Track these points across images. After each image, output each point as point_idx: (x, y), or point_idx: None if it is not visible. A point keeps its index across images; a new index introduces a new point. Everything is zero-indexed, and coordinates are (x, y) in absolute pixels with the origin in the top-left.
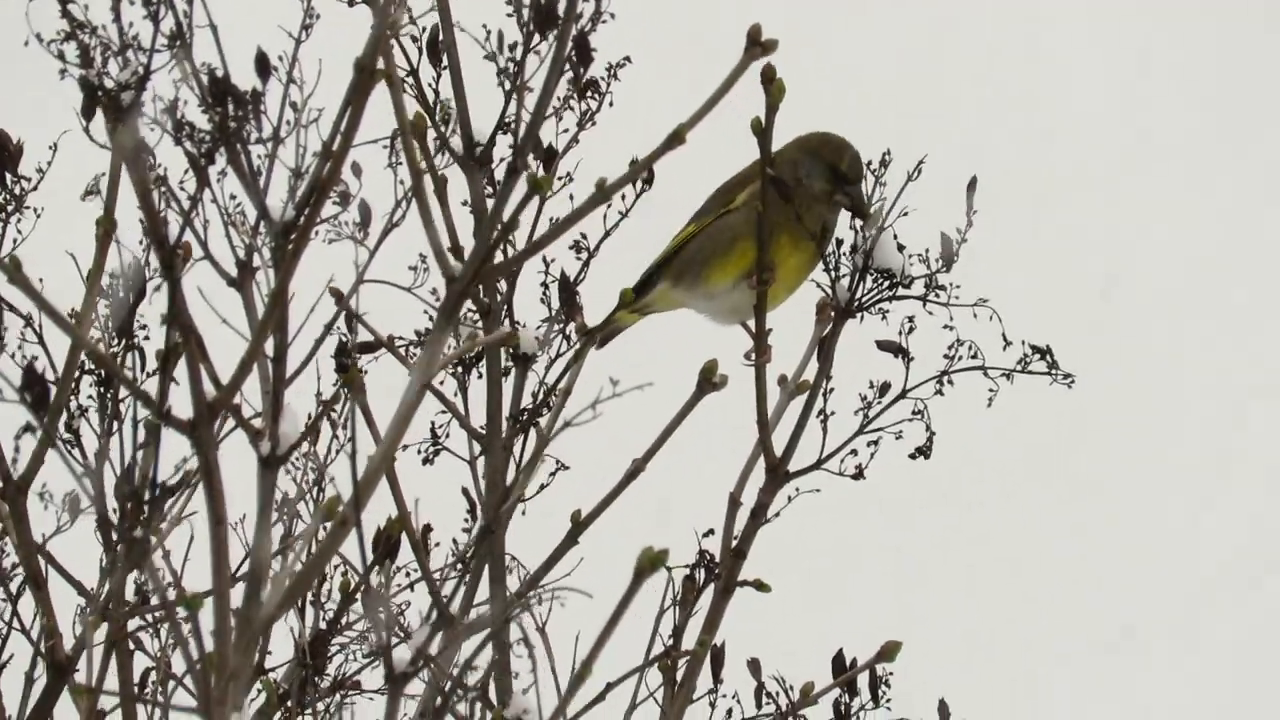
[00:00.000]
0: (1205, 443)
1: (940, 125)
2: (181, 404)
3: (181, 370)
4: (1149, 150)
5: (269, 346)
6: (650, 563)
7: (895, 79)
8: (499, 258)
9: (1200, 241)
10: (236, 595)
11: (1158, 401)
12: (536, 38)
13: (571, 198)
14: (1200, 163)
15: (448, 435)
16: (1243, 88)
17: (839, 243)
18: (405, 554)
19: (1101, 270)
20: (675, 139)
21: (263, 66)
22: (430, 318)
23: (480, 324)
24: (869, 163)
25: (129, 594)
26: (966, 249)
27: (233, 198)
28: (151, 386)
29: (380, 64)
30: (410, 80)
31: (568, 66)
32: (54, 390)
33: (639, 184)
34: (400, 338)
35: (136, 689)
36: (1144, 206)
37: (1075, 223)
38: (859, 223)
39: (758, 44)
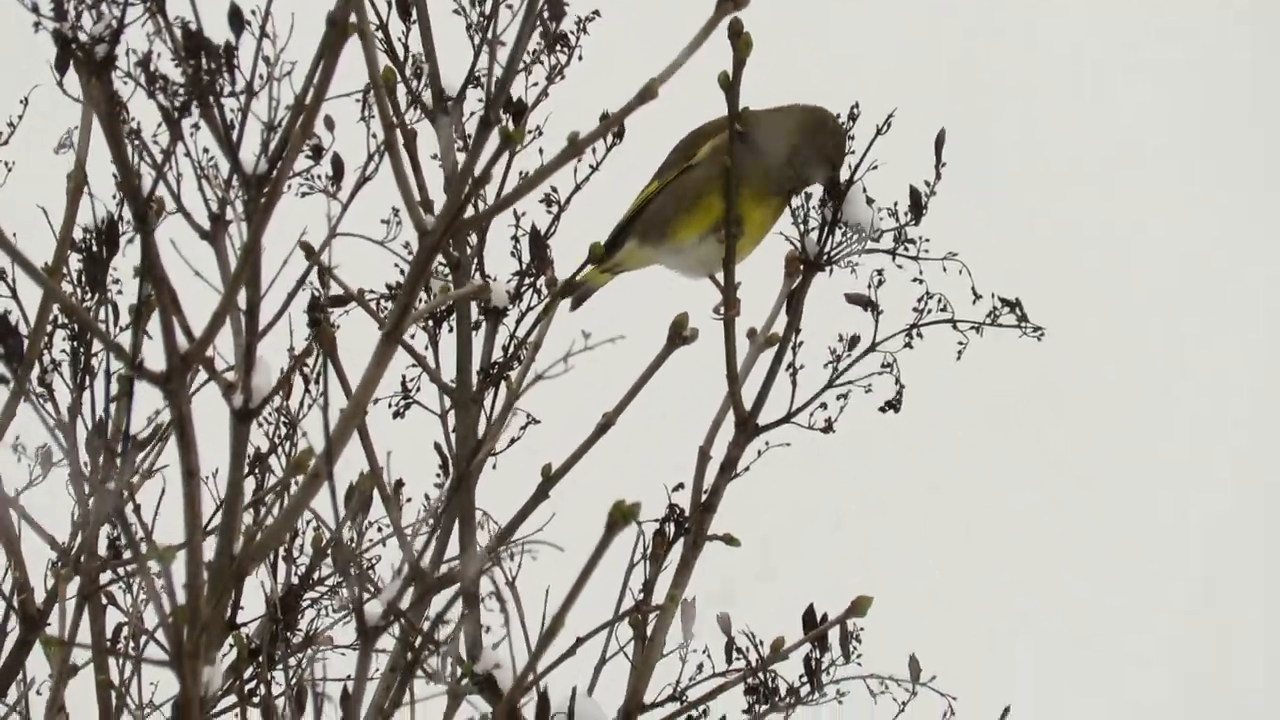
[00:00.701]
0: (1186, 423)
1: (935, 110)
2: (155, 357)
3: (155, 323)
4: (1145, 139)
5: (242, 300)
6: (622, 516)
7: (890, 67)
8: (470, 211)
9: (1195, 233)
10: (209, 548)
11: (1145, 384)
12: None
13: (541, 152)
14: (1197, 152)
15: (418, 389)
16: (1238, 81)
17: (807, 196)
18: (377, 509)
19: (1096, 259)
20: (647, 93)
21: (236, 20)
22: (401, 271)
23: (450, 277)
24: (837, 115)
25: (101, 547)
26: (935, 201)
27: (206, 151)
28: (124, 340)
29: (353, 18)
30: (380, 35)
31: (539, 20)
32: (27, 343)
33: (609, 138)
34: (371, 291)
35: (109, 643)
36: (1138, 197)
37: (1070, 212)
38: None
39: None
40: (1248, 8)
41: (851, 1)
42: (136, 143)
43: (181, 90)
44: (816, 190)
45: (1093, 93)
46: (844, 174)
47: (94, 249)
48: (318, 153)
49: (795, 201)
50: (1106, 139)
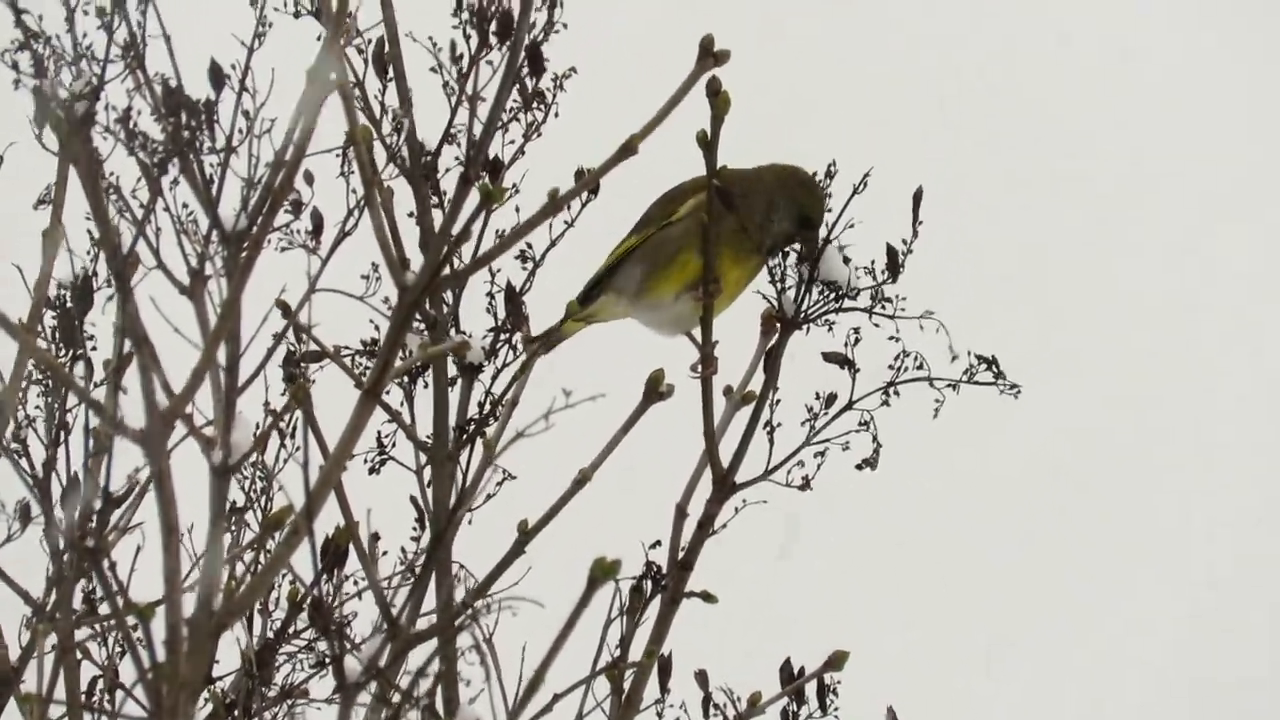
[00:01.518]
0: (1172, 492)
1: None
2: (132, 413)
3: (132, 379)
4: (1141, 144)
5: (221, 356)
6: (603, 572)
7: (882, 76)
8: (449, 269)
9: (1190, 244)
10: (187, 604)
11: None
12: (486, 47)
13: (518, 209)
14: (1190, 157)
15: (394, 445)
16: (1230, 89)
17: (784, 255)
18: (353, 563)
19: (1094, 273)
20: (627, 150)
21: (216, 76)
22: (377, 327)
23: (427, 334)
24: (814, 174)
25: (76, 603)
26: (912, 260)
27: (185, 207)
28: (99, 396)
29: (332, 75)
30: (357, 93)
31: (518, 77)
32: (2, 399)
33: (585, 194)
34: (346, 347)
35: (84, 697)
36: (1136, 204)
37: (1064, 225)
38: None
39: (710, 54)
40: (1242, 20)
41: (843, 13)
42: (116, 199)
43: (161, 146)
44: (794, 249)
45: (1088, 111)
46: (823, 232)
47: (69, 305)
48: (297, 208)
49: (772, 260)
50: (1106, 152)
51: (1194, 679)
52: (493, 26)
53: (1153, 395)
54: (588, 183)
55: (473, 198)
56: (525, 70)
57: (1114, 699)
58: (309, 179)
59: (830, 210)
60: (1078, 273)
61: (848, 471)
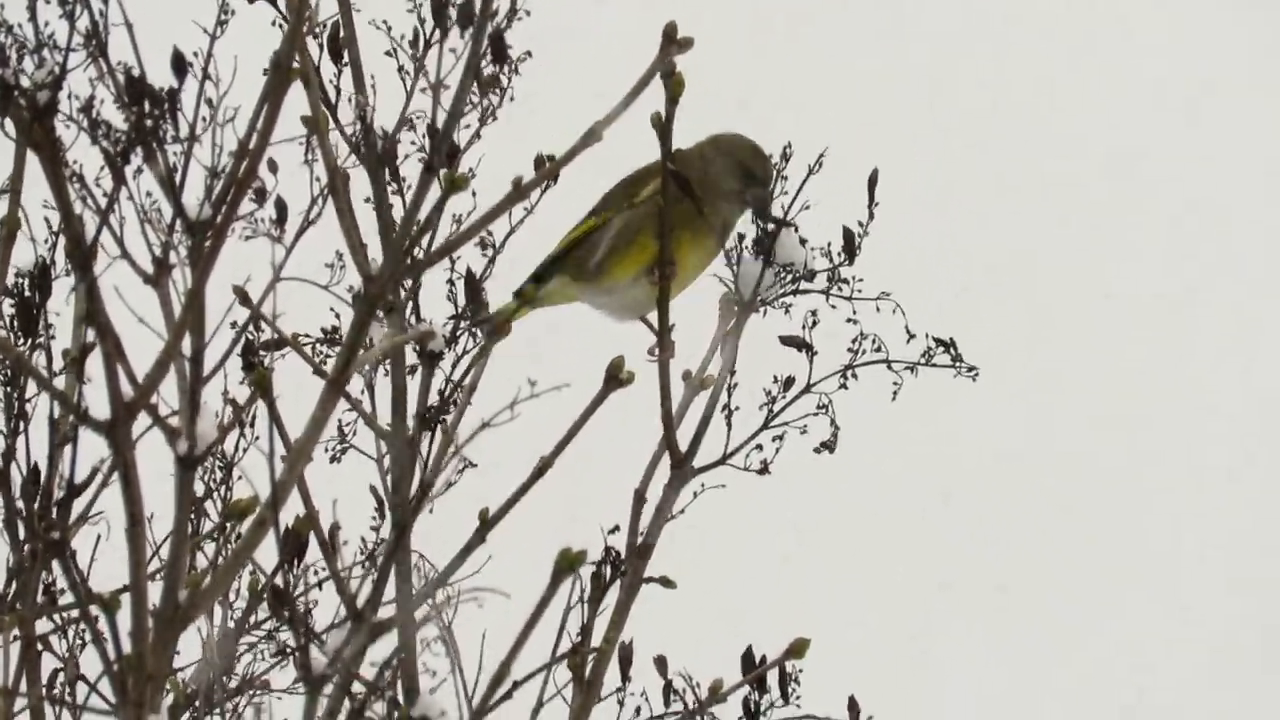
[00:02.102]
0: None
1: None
2: (95, 403)
3: (95, 368)
4: (1133, 149)
5: (186, 346)
6: (568, 563)
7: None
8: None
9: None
10: (152, 595)
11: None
12: (447, 34)
13: (474, 194)
14: (1182, 165)
15: (354, 433)
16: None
17: (741, 237)
18: (313, 552)
19: (1085, 276)
20: (592, 136)
21: (178, 65)
22: (338, 315)
23: (386, 322)
24: (773, 157)
25: (37, 595)
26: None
27: (149, 195)
28: (59, 385)
29: (296, 63)
30: (317, 77)
31: (480, 64)
32: None
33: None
34: (307, 335)
35: (45, 689)
36: (1127, 208)
37: (1053, 228)
38: (761, 222)
39: (673, 41)
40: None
41: (834, 14)
42: (79, 188)
43: (124, 136)
44: (750, 231)
45: (1060, 108)
46: (779, 213)
47: (27, 293)
48: (261, 196)
49: (729, 243)
50: (1087, 150)
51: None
52: (453, 13)
53: (1143, 397)
54: (551, 171)
55: (435, 187)
56: (489, 58)
57: (1080, 682)
58: (272, 167)
59: (786, 192)
60: (1067, 276)
61: (808, 455)
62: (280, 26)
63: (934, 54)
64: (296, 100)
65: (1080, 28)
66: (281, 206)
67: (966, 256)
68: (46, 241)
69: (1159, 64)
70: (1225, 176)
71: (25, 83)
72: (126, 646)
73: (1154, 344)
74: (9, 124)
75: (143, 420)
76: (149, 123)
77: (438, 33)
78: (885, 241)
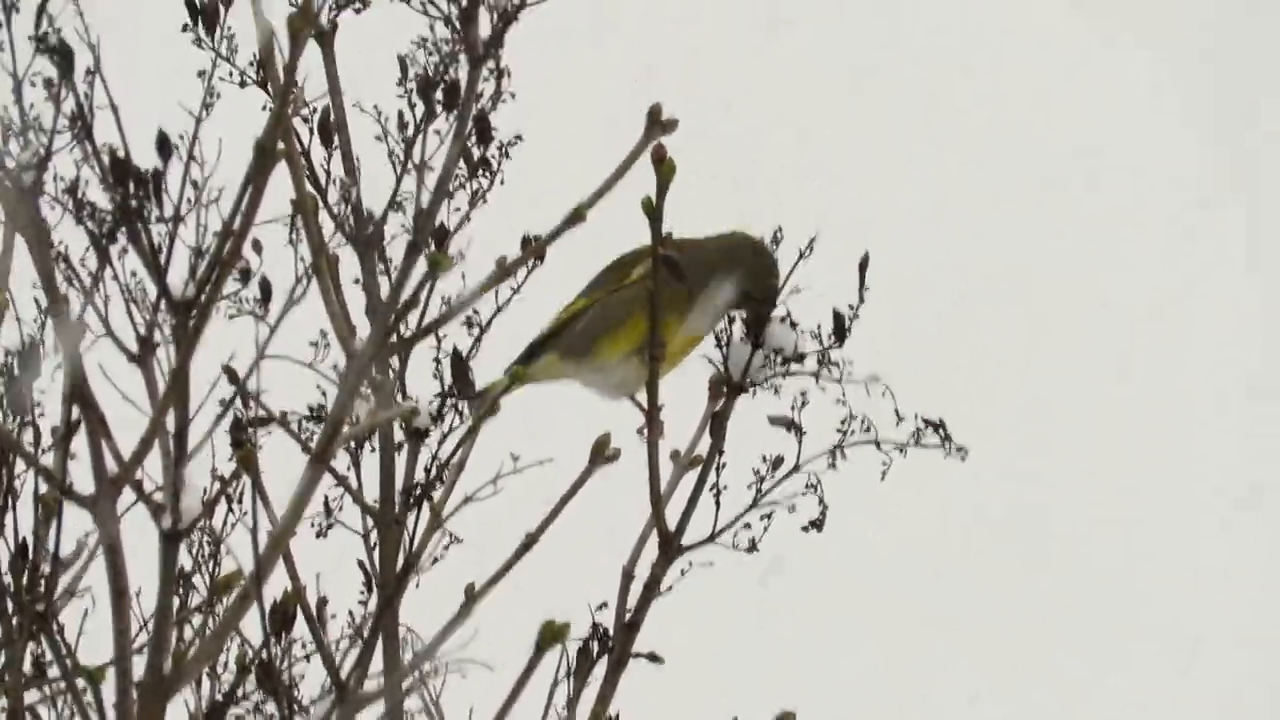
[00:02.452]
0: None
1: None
2: (81, 479)
3: (81, 445)
4: (1112, 160)
5: (170, 422)
6: (552, 636)
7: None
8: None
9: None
10: (137, 668)
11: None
12: (433, 116)
13: (463, 276)
14: (1159, 183)
15: (341, 508)
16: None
17: (731, 320)
18: (300, 626)
19: (1080, 289)
20: (576, 218)
21: (163, 146)
22: (324, 393)
23: (374, 399)
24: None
25: (26, 667)
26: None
27: (134, 274)
28: (48, 463)
29: (280, 144)
30: (302, 161)
31: (466, 145)
32: None
33: (531, 260)
34: (294, 413)
35: None
36: (1128, 221)
37: (1056, 238)
38: (753, 338)
39: (659, 123)
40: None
41: (827, 27)
42: (64, 267)
43: (109, 216)
44: (739, 317)
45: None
46: (778, 298)
47: (16, 372)
48: (246, 276)
49: (719, 326)
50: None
51: None
52: (439, 95)
53: (1141, 415)
54: (535, 250)
55: (420, 265)
56: (473, 139)
57: None
58: (257, 247)
59: (776, 276)
60: (1064, 284)
61: (796, 534)
62: (267, 109)
63: (929, 64)
64: (283, 180)
65: (1076, 39)
66: (266, 285)
67: (963, 265)
68: (36, 320)
69: (1154, 74)
70: (1222, 183)
71: (10, 164)
72: (112, 718)
73: (1151, 353)
74: None
75: (128, 496)
76: (134, 203)
77: (426, 116)
78: (883, 251)
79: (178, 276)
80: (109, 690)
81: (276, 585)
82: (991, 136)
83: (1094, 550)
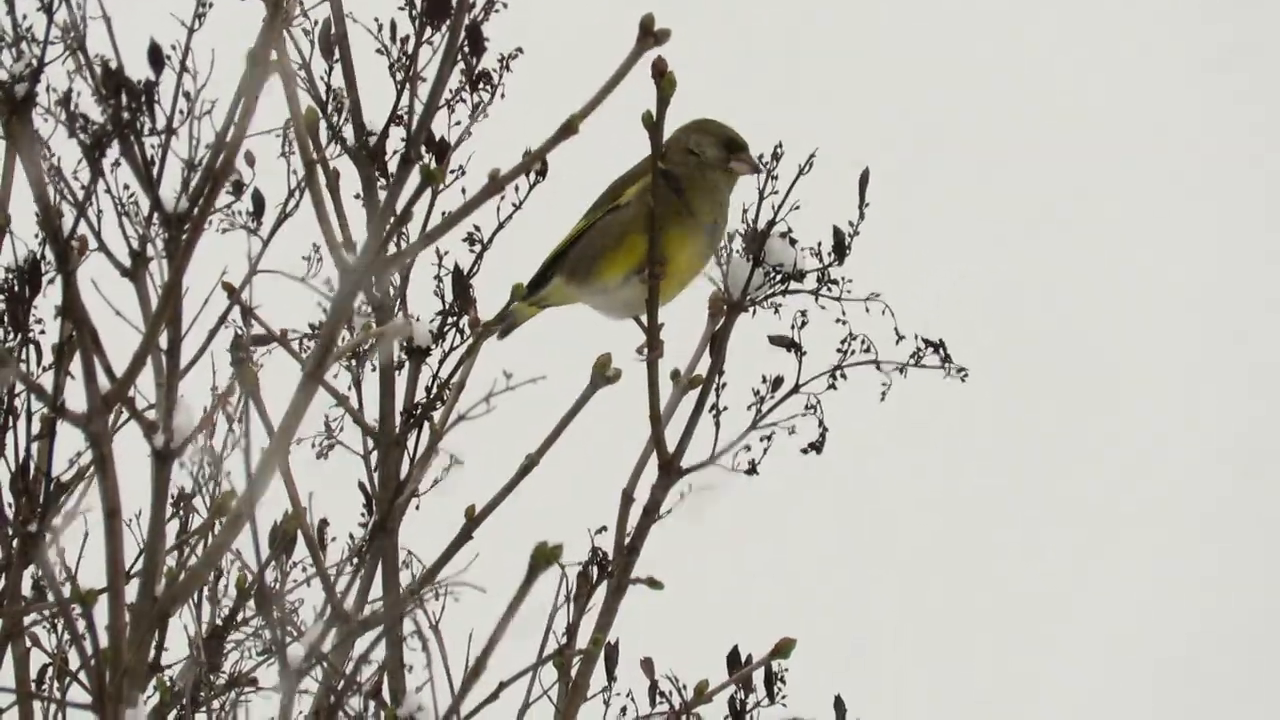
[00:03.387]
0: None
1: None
2: (77, 398)
3: (77, 364)
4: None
5: (163, 339)
6: (545, 558)
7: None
8: (392, 249)
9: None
10: (131, 590)
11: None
12: (429, 29)
13: (464, 192)
14: (1148, 158)
15: (341, 429)
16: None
17: (730, 238)
18: (301, 549)
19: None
20: (568, 129)
21: (156, 58)
22: (324, 310)
23: (373, 317)
24: (760, 156)
25: (25, 589)
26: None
27: (127, 188)
28: (47, 381)
29: (273, 56)
30: (302, 73)
31: (460, 57)
32: None
33: (532, 175)
34: (294, 331)
35: (34, 685)
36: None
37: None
38: (752, 173)
39: (650, 34)
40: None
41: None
42: (58, 181)
43: (102, 128)
44: (739, 230)
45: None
46: (769, 215)
47: (16, 289)
48: (238, 189)
49: (720, 242)
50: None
51: None
52: (428, 6)
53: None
54: (529, 163)
55: (415, 178)
56: (466, 50)
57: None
58: (250, 160)
59: (775, 191)
60: (1056, 278)
61: (795, 456)
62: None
63: (922, 56)
64: (277, 93)
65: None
66: (259, 199)
67: (959, 256)
68: (36, 236)
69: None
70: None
71: (3, 76)
72: (104, 641)
73: (1147, 348)
74: None
75: (123, 414)
76: (126, 115)
77: (421, 26)
78: (880, 236)
79: (170, 189)
80: (102, 612)
81: (278, 508)
82: (986, 128)
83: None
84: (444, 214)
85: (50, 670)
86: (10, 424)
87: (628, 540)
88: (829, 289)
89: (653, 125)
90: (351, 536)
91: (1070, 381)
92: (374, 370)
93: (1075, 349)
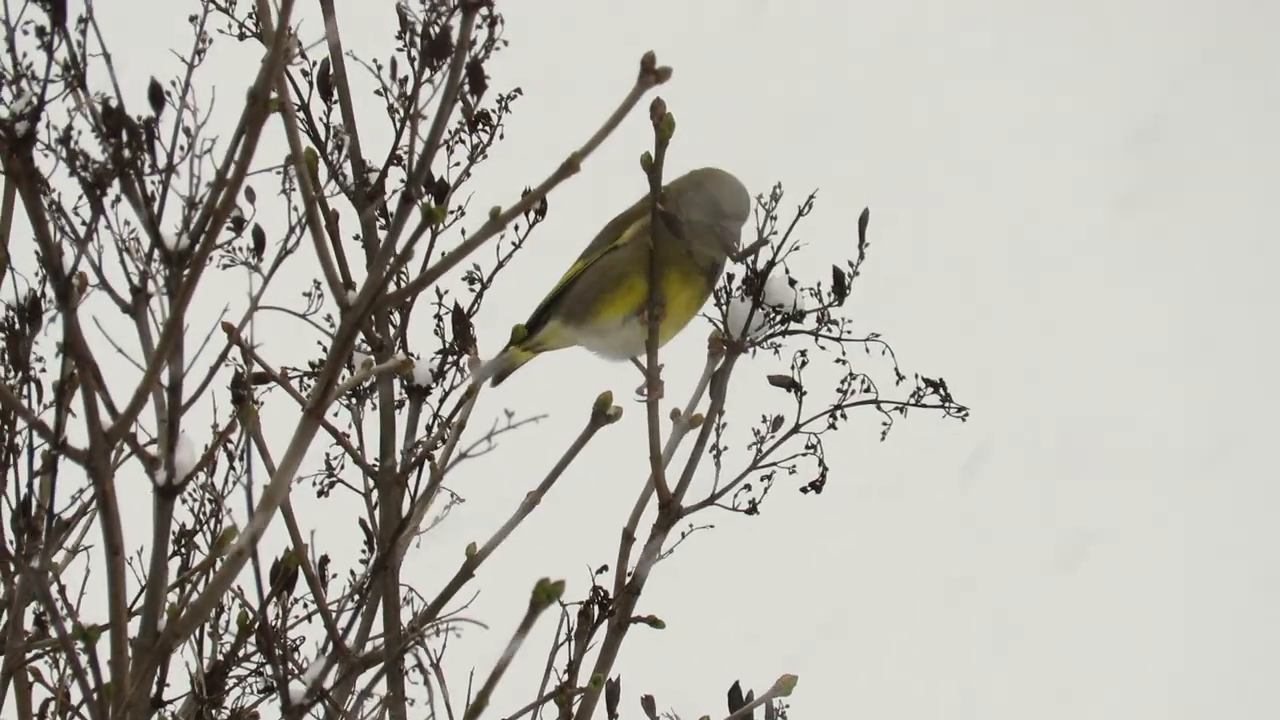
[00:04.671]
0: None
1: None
2: (78, 435)
3: (79, 401)
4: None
5: (164, 375)
6: (546, 594)
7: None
8: (393, 288)
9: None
10: (134, 626)
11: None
12: (429, 69)
13: (464, 232)
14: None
15: (342, 468)
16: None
17: (730, 277)
18: (302, 586)
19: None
20: (569, 168)
21: (156, 95)
22: (324, 349)
23: (374, 357)
24: (760, 196)
25: (27, 625)
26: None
27: (127, 224)
28: (48, 418)
29: (273, 94)
30: (301, 115)
31: (460, 96)
32: None
33: (532, 215)
34: (294, 369)
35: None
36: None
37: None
38: (730, 258)
39: (651, 72)
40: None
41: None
42: (58, 218)
43: (102, 165)
44: (739, 271)
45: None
46: (767, 256)
47: (16, 326)
48: (239, 225)
49: (719, 283)
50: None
51: None
52: (429, 45)
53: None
54: (529, 201)
55: (415, 218)
56: (467, 88)
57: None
58: (250, 196)
59: (775, 231)
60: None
61: (795, 495)
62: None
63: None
64: (279, 132)
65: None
66: (259, 234)
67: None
68: (37, 274)
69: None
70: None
71: (3, 113)
72: (107, 676)
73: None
74: None
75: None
76: (127, 153)
77: (426, 70)
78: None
79: (171, 227)
80: (105, 648)
81: (279, 545)
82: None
83: None
84: (443, 254)
85: (53, 705)
86: (12, 461)
87: (628, 579)
88: (829, 329)
89: (651, 166)
90: (353, 573)
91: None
92: (374, 409)
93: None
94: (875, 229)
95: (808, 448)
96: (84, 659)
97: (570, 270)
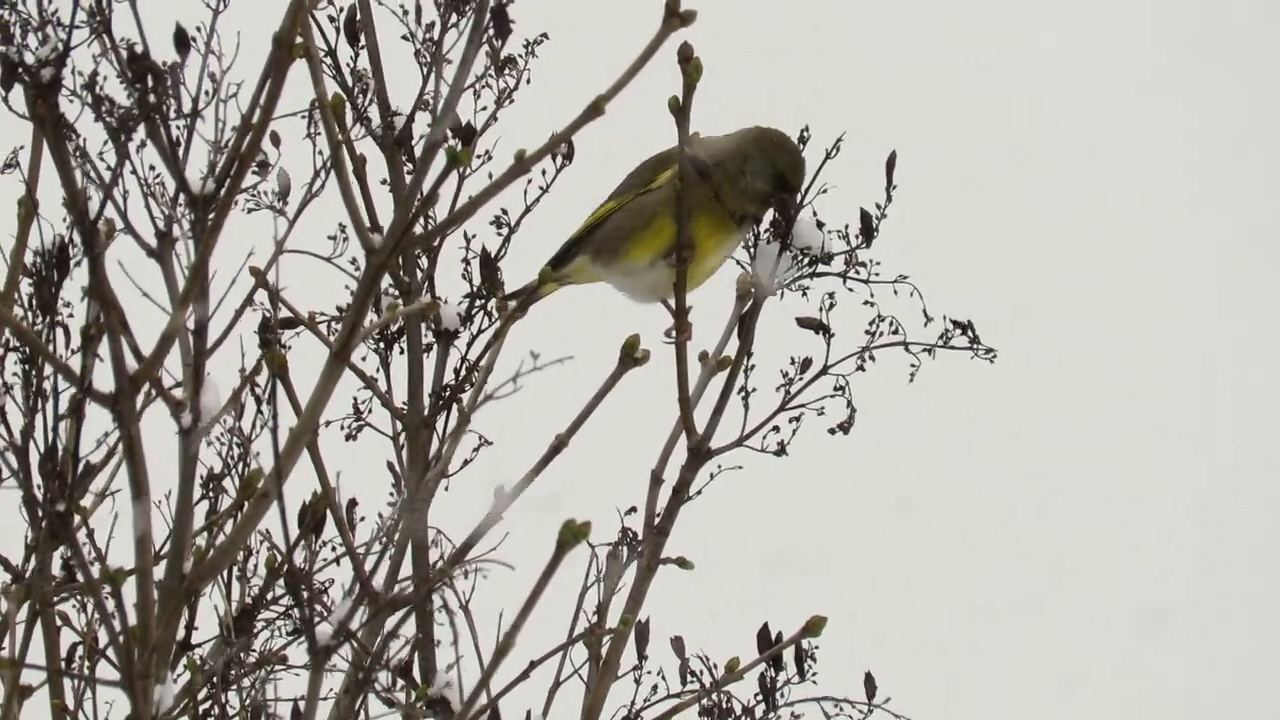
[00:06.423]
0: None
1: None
2: (104, 379)
3: (105, 345)
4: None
5: (190, 319)
6: (572, 535)
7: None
8: (419, 230)
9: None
10: (160, 569)
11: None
12: (456, 12)
13: (490, 176)
14: (1160, 146)
15: (370, 411)
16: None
17: (758, 220)
18: (330, 529)
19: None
20: (594, 110)
21: (181, 41)
22: (351, 293)
23: (401, 301)
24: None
25: (55, 569)
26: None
27: (152, 169)
28: (75, 362)
29: (298, 38)
30: (328, 60)
31: (485, 40)
32: None
33: (559, 158)
34: (321, 313)
35: (64, 663)
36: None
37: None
38: (781, 223)
39: (676, 14)
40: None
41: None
42: (84, 163)
43: (127, 111)
44: (768, 215)
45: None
46: (802, 192)
47: (44, 273)
48: (264, 168)
49: (748, 227)
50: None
51: None
52: None
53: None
54: (554, 144)
55: (441, 161)
56: (492, 32)
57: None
58: (275, 141)
59: (806, 174)
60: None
61: (823, 436)
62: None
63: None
64: (303, 75)
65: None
66: (284, 178)
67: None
68: (64, 220)
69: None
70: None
71: (29, 59)
72: (133, 618)
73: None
74: (16, 98)
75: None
76: (152, 98)
77: (452, 15)
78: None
79: (196, 171)
80: (130, 590)
81: (308, 489)
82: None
83: None
84: (470, 198)
85: (80, 648)
86: (39, 406)
87: (657, 521)
88: (857, 271)
89: (679, 111)
90: (380, 516)
91: (1092, 367)
92: (402, 354)
93: (1095, 334)
94: (903, 171)
95: (836, 389)
96: (111, 603)
97: (601, 208)
